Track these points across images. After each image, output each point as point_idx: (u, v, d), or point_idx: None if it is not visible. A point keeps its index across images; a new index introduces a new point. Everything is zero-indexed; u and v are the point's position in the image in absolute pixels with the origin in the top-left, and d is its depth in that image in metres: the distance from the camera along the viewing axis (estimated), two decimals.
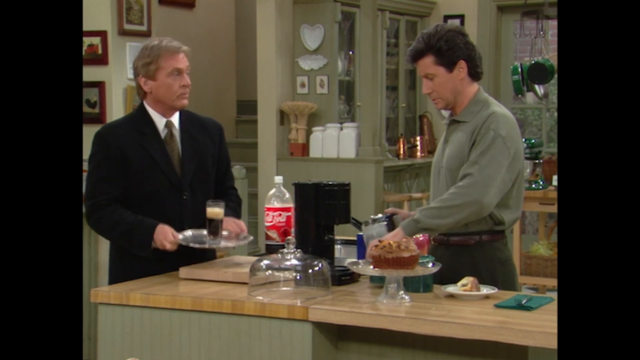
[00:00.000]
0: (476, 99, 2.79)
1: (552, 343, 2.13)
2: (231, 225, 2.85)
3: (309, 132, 6.33)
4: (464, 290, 2.47)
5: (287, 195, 2.85)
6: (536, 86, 5.20)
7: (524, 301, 2.37)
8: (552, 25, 6.96)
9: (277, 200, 2.86)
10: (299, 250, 2.54)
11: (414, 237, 2.77)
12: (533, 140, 5.33)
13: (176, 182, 2.86)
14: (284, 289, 2.51)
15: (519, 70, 5.11)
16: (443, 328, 2.24)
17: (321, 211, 2.67)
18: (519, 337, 2.16)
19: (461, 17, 6.91)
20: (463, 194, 2.61)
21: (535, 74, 5.04)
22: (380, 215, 2.73)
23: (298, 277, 2.51)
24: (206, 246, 2.79)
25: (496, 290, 2.49)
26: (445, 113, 2.95)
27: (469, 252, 2.73)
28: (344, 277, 2.62)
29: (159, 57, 2.81)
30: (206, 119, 3.08)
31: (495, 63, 6.93)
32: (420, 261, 2.48)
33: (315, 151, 6.28)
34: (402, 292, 2.43)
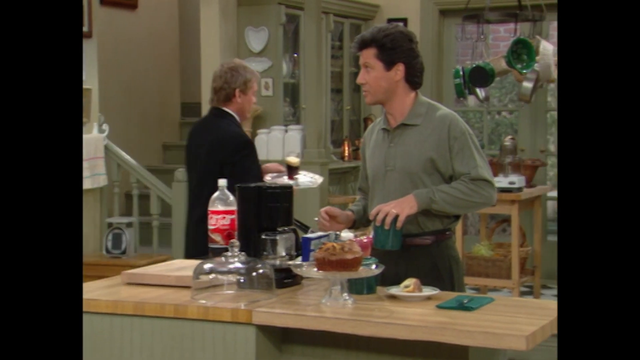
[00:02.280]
0: (418, 102, 2.87)
1: (492, 343, 2.16)
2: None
3: (253, 135, 6.32)
4: (407, 292, 2.50)
5: (231, 198, 2.84)
6: (477, 89, 5.27)
7: (465, 302, 2.41)
8: (492, 30, 7.09)
9: (220, 203, 2.84)
10: (242, 253, 2.53)
11: (358, 238, 2.79)
12: None
13: None
14: (228, 292, 2.50)
15: (461, 73, 5.18)
16: (386, 329, 2.26)
17: (263, 214, 2.67)
18: (460, 337, 2.19)
19: (404, 21, 6.97)
20: (482, 195, 2.76)
21: (476, 77, 5.11)
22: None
23: (242, 280, 2.50)
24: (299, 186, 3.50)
25: (438, 291, 2.53)
26: (375, 112, 3.01)
27: (427, 252, 2.80)
28: (286, 280, 2.62)
29: (252, 78, 3.61)
30: None
31: (438, 66, 7.02)
32: (364, 263, 2.50)
33: (260, 153, 6.15)
34: (345, 294, 2.44)
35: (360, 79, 2.84)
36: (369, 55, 2.79)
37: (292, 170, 3.57)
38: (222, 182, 2.88)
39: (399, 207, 2.68)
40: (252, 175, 3.43)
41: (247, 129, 6.29)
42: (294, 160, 3.57)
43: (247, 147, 3.55)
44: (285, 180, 3.51)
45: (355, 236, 2.81)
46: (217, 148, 3.53)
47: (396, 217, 2.66)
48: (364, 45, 2.81)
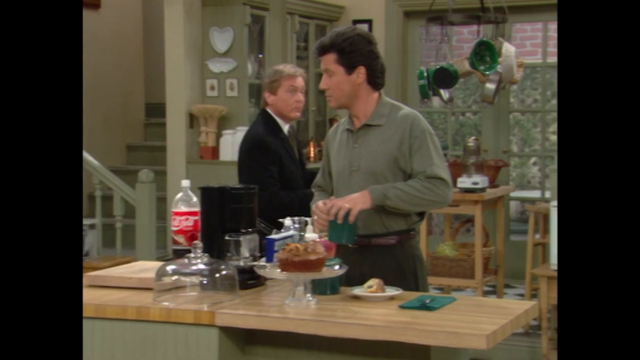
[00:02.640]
0: (382, 102, 2.89)
1: (453, 342, 2.18)
2: None
3: (219, 135, 6.30)
4: (370, 292, 2.51)
5: (194, 199, 2.83)
6: (441, 90, 5.30)
7: (427, 301, 2.43)
8: (456, 31, 7.15)
9: (184, 205, 2.83)
10: (206, 254, 2.53)
11: (322, 239, 2.80)
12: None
13: (299, 172, 3.65)
14: (191, 293, 2.49)
15: (425, 74, 5.20)
16: (348, 330, 2.27)
17: (227, 215, 2.67)
18: (422, 337, 2.20)
19: (369, 22, 6.99)
20: (437, 193, 2.76)
21: (440, 78, 5.14)
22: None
23: (205, 282, 2.49)
24: None
25: (401, 291, 2.54)
26: (341, 113, 3.02)
27: (391, 252, 2.81)
28: (250, 281, 2.62)
29: (281, 77, 3.59)
30: None
31: (403, 67, 7.05)
32: (327, 264, 2.50)
33: (225, 154, 6.24)
34: (309, 294, 2.44)
35: (322, 85, 2.86)
36: (329, 61, 2.81)
37: None
38: (185, 183, 2.87)
39: (352, 202, 2.71)
40: (266, 176, 3.44)
41: (211, 129, 6.29)
42: None
43: (258, 147, 3.55)
44: None
45: (320, 237, 2.82)
46: (239, 149, 3.67)
47: (349, 212, 2.68)
48: (323, 50, 2.82)
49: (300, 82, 3.65)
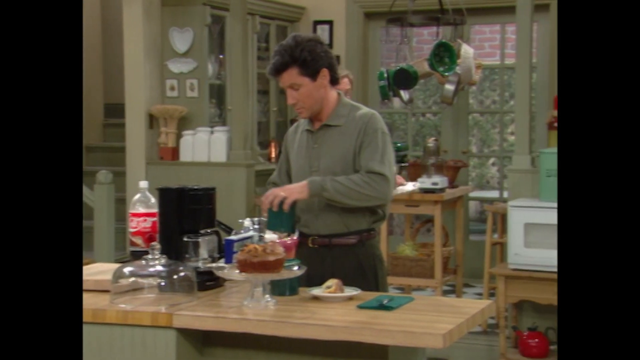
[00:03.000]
0: (341, 103, 2.91)
1: (411, 342, 2.20)
2: None
3: (179, 136, 6.26)
4: (329, 292, 2.52)
5: (153, 200, 2.81)
6: (401, 91, 5.34)
7: (385, 301, 2.44)
8: (416, 33, 7.21)
9: (141, 206, 2.81)
10: (164, 256, 2.51)
11: (282, 239, 2.80)
12: (399, 144, 5.49)
13: None
14: (148, 295, 2.47)
15: (385, 75, 5.24)
16: (307, 330, 2.27)
17: (185, 216, 2.65)
18: (380, 337, 2.21)
19: (330, 23, 7.01)
20: (375, 188, 2.77)
21: (400, 79, 5.17)
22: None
23: (162, 284, 2.48)
24: None
25: (359, 291, 2.55)
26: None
27: (352, 251, 2.83)
28: (209, 283, 2.61)
29: None
30: None
31: (363, 68, 7.08)
32: (286, 264, 2.50)
33: (185, 155, 6.21)
34: (267, 295, 2.44)
35: (291, 100, 2.84)
36: (292, 76, 2.80)
37: None
38: (143, 184, 2.85)
39: (289, 191, 2.76)
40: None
41: (171, 130, 6.25)
42: None
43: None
44: None
45: (279, 237, 2.82)
46: None
47: (285, 200, 2.72)
48: (284, 67, 2.80)
49: (343, 85, 3.69)
